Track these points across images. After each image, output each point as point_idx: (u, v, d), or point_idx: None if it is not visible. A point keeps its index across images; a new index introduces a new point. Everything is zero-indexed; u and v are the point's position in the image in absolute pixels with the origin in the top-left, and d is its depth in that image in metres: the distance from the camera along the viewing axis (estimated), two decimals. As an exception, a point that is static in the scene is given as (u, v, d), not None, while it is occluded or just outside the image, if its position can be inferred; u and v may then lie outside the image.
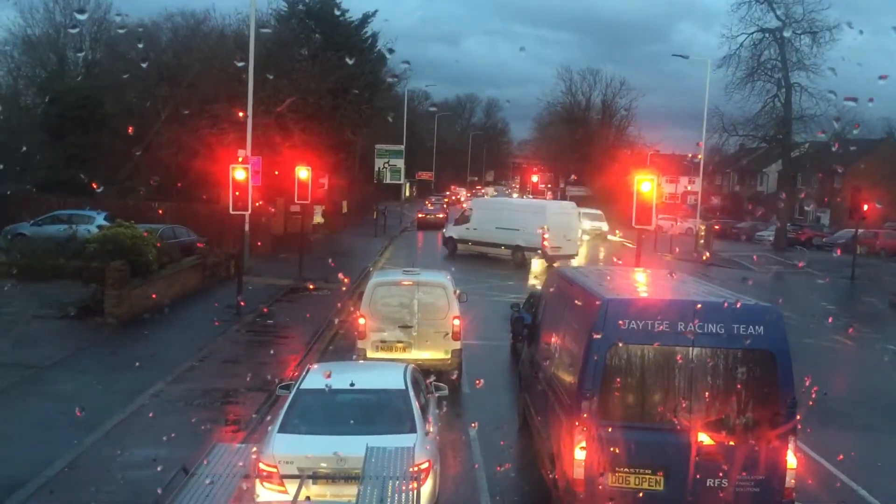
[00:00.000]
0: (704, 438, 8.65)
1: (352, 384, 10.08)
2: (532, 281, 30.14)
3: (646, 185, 19.03)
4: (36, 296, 20.46)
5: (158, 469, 9.25)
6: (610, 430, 8.69)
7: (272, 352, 18.72)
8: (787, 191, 59.92)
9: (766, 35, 53.33)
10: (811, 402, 10.96)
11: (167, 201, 32.87)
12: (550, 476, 10.01)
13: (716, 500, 8.60)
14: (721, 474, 8.60)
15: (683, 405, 8.74)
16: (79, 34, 47.57)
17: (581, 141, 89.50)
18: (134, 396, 14.28)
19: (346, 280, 25.77)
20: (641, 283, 11.94)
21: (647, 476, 8.70)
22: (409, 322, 15.43)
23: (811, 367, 19.39)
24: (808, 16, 50.99)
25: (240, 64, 28.42)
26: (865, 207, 38.74)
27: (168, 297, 22.05)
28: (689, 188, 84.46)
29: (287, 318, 22.40)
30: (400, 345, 15.37)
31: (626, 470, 8.71)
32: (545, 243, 34.54)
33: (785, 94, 52.40)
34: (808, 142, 56.60)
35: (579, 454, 8.70)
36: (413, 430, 9.35)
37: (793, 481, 8.76)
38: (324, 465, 8.69)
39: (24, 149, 34.41)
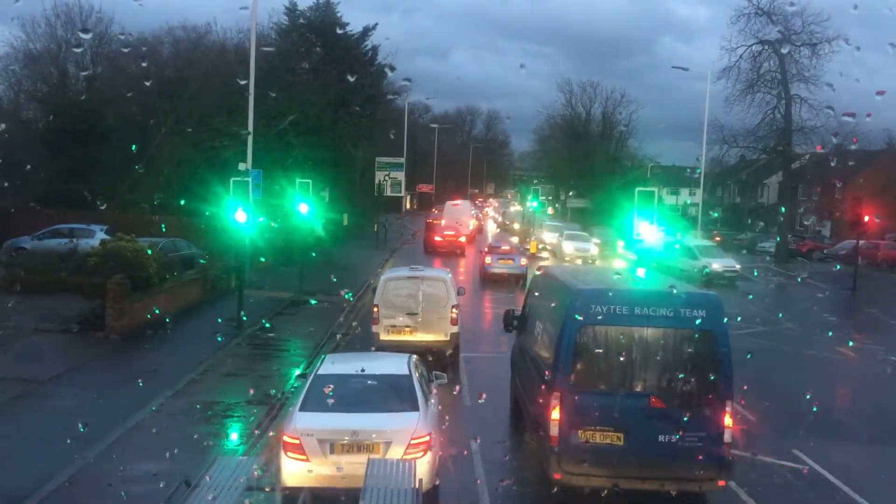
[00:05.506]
0: (657, 402, 10.27)
1: (362, 370, 11.44)
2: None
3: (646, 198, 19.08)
4: (37, 310, 20.47)
5: (160, 485, 9.20)
6: (579, 396, 10.33)
7: (274, 365, 18.71)
8: (787, 202, 59.83)
9: (766, 47, 53.46)
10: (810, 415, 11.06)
11: (168, 215, 32.86)
12: (532, 441, 11.91)
13: (667, 453, 10.18)
14: (671, 431, 10.14)
15: (640, 375, 10.41)
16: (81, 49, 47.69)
17: (582, 153, 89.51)
18: (135, 411, 14.22)
19: (345, 303, 25.63)
20: (610, 277, 13.61)
21: (610, 433, 10.24)
22: (415, 310, 18.05)
23: (813, 379, 19.46)
24: (808, 28, 51.14)
25: (242, 82, 28.49)
26: (866, 219, 38.72)
27: (169, 311, 22.01)
28: (689, 200, 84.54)
29: (288, 331, 22.37)
30: (407, 329, 17.97)
31: (593, 429, 10.26)
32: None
33: (785, 106, 52.46)
34: (808, 153, 56.59)
35: (554, 416, 10.27)
36: (416, 408, 10.60)
37: (730, 438, 10.35)
38: (339, 437, 9.97)
39: (28, 167, 34.48)
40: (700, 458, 10.17)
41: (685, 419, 10.16)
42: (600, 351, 10.46)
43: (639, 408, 10.25)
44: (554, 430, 10.27)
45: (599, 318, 10.36)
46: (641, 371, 10.39)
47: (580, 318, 10.39)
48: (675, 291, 10.77)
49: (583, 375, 10.46)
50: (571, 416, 10.23)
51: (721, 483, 10.42)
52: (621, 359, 10.36)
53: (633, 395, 10.34)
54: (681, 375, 10.36)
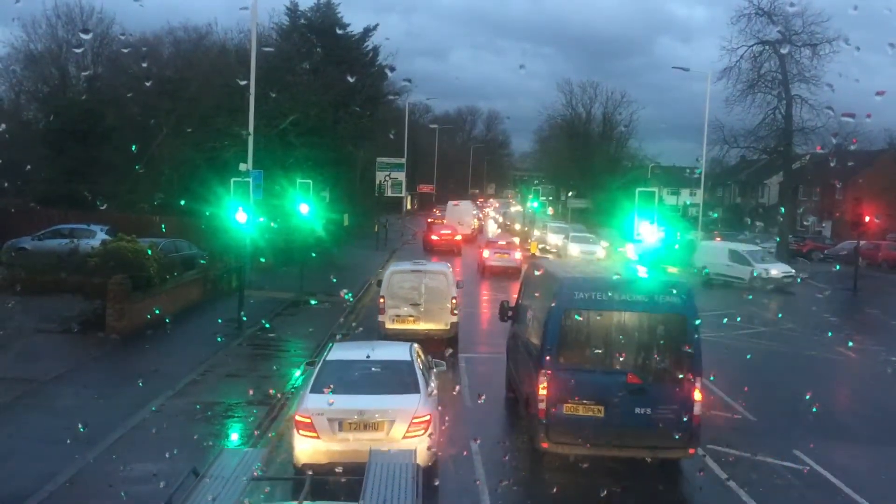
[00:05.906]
0: (634, 379, 11.35)
1: (368, 356, 12.24)
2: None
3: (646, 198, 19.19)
4: (37, 310, 20.46)
5: (161, 485, 9.21)
6: (564, 373, 11.46)
7: (274, 366, 18.71)
8: (788, 202, 59.69)
9: (766, 47, 53.36)
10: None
11: (169, 215, 32.87)
12: (524, 415, 12.91)
13: (643, 424, 11.26)
14: (646, 405, 11.27)
15: (618, 354, 11.54)
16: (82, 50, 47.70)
17: (582, 153, 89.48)
18: (135, 411, 14.22)
19: (346, 303, 25.71)
20: (593, 269, 15.60)
21: (592, 406, 11.34)
22: (418, 301, 19.35)
23: (814, 380, 19.47)
24: (808, 28, 50.97)
25: (243, 83, 28.52)
26: (867, 219, 38.68)
27: (170, 311, 21.99)
28: (690, 201, 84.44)
29: (289, 331, 22.37)
30: (411, 318, 19.27)
31: (576, 402, 11.38)
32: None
33: (785, 107, 52.37)
34: (809, 154, 56.47)
35: (542, 391, 11.42)
36: (417, 391, 11.41)
37: (699, 411, 11.36)
38: (347, 416, 10.78)
39: (29, 167, 34.47)
40: (672, 428, 11.24)
41: (659, 394, 11.36)
42: (583, 333, 11.74)
43: (617, 383, 11.34)
44: (542, 405, 11.41)
45: (582, 303, 11.61)
46: (620, 350, 11.53)
47: (565, 304, 11.57)
48: (651, 278, 12.17)
49: (567, 355, 11.67)
50: (557, 392, 11.37)
51: (691, 451, 11.57)
52: (602, 340, 11.62)
53: (613, 373, 11.49)
54: (655, 354, 11.57)
